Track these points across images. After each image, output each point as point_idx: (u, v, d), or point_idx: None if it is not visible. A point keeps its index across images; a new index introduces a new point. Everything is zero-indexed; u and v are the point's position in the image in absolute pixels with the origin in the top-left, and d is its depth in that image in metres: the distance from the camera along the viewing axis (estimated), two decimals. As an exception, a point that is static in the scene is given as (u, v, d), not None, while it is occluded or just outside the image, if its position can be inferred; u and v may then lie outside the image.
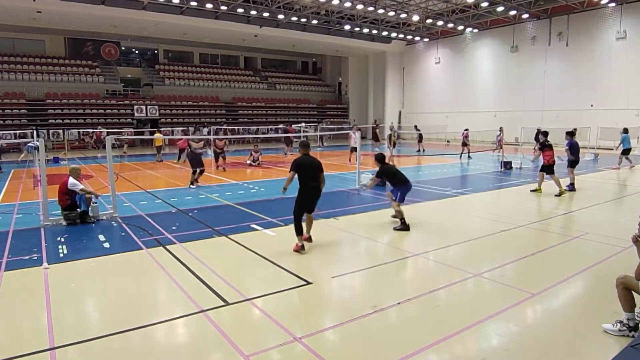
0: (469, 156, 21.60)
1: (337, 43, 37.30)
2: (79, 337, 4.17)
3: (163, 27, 31.34)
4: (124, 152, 26.24)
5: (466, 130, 22.28)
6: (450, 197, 11.39)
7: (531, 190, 11.73)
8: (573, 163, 12.06)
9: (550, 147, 11.61)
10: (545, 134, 12.16)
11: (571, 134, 12.22)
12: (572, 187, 11.89)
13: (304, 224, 6.83)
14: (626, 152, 16.99)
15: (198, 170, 13.12)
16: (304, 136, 24.36)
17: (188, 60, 42.62)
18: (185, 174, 16.95)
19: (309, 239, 6.98)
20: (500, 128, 21.52)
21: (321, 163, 6.92)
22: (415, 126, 29.39)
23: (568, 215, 9.50)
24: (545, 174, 11.54)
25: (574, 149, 12.06)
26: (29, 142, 21.43)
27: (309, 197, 6.71)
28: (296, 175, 6.69)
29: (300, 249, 6.64)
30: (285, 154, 24.36)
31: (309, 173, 6.66)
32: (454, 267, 6.10)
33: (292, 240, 7.45)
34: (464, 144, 21.73)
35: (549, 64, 30.77)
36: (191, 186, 12.93)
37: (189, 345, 4.09)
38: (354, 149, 16.21)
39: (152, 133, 25.70)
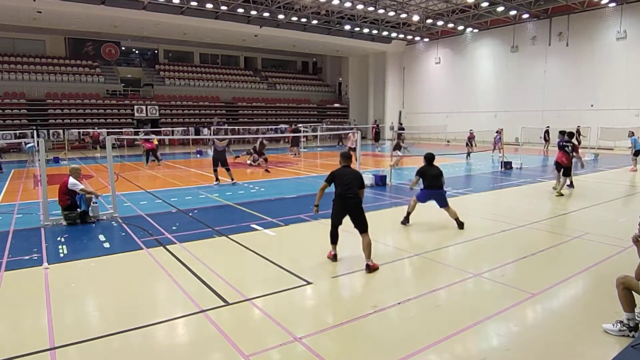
0: (468, 155, 21.77)
1: (337, 43, 37.28)
2: (79, 337, 4.17)
3: (163, 27, 31.34)
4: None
5: (470, 130, 22.53)
6: (451, 197, 11.35)
7: (553, 188, 11.76)
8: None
9: (563, 148, 11.52)
10: (570, 134, 12.03)
11: (570, 135, 12.26)
12: (570, 184, 12.04)
13: (360, 246, 6.19)
14: (637, 153, 17.16)
15: (223, 168, 13.67)
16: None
17: (188, 60, 42.61)
18: (182, 174, 16.95)
19: (367, 267, 5.90)
20: (498, 130, 21.56)
21: (362, 175, 6.49)
22: (400, 124, 29.19)
23: (568, 215, 9.50)
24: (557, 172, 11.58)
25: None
26: (29, 142, 21.48)
27: (340, 208, 6.24)
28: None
29: (332, 258, 6.31)
30: (294, 154, 24.28)
31: (342, 183, 6.21)
32: (454, 267, 6.10)
33: (292, 240, 7.48)
34: (468, 144, 22.09)
35: (549, 64, 30.76)
36: (234, 182, 13.64)
37: (189, 345, 4.09)
38: (353, 149, 16.19)
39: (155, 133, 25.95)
